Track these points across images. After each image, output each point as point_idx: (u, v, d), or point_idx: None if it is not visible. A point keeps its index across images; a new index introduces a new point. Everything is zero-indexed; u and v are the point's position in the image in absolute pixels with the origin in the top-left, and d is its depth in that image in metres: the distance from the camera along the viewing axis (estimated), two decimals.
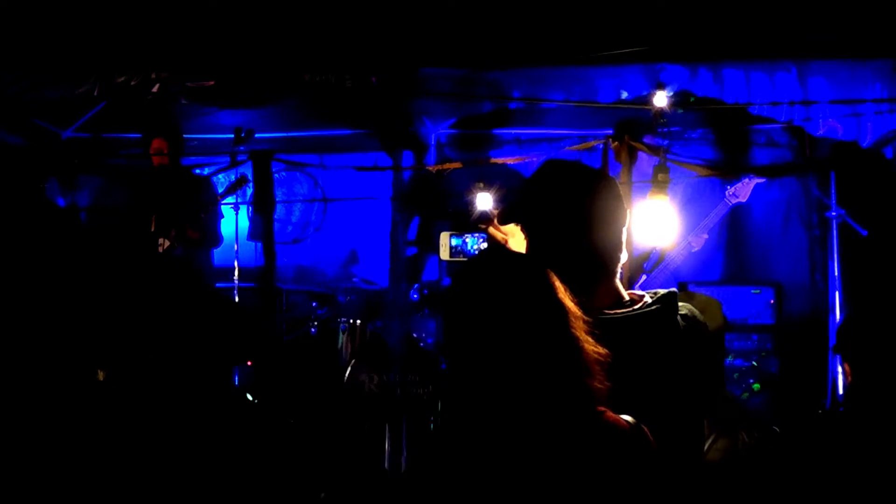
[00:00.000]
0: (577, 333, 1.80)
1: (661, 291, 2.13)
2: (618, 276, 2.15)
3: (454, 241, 2.37)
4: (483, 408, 1.77)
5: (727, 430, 2.69)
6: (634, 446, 1.79)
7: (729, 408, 2.79)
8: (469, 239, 2.36)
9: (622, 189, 4.98)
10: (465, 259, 2.35)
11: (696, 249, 5.39)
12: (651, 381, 1.97)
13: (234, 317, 5.59)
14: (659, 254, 5.44)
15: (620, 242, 2.16)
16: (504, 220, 2.23)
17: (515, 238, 2.17)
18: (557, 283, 1.85)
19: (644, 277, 5.47)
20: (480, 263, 1.92)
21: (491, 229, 2.23)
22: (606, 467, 1.75)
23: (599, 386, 1.78)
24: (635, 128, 5.35)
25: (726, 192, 5.48)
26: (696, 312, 2.18)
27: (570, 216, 2.12)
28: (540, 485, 1.73)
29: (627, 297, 2.14)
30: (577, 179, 2.18)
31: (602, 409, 1.79)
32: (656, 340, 2.04)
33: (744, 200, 5.50)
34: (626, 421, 1.82)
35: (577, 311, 1.83)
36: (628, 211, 2.20)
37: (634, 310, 2.07)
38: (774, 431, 5.42)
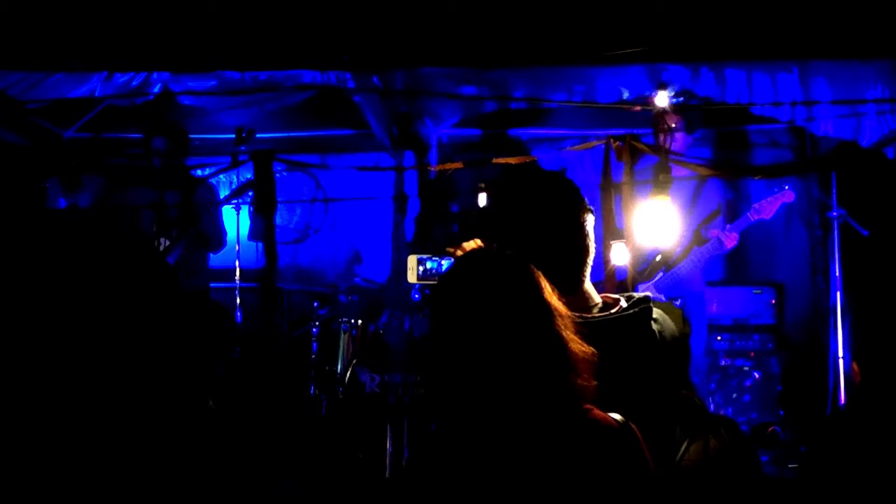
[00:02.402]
0: (563, 332, 1.81)
1: (637, 295, 2.15)
2: (588, 279, 2.16)
3: (429, 264, 2.34)
4: (469, 406, 1.78)
5: (697, 435, 2.70)
6: (623, 444, 1.80)
7: (697, 412, 2.80)
8: (444, 262, 2.32)
9: (624, 189, 5.00)
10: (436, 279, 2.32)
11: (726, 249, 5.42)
12: (627, 385, 1.99)
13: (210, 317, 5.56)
14: (663, 256, 5.45)
15: (587, 245, 2.17)
16: (467, 239, 2.24)
17: None
18: (543, 283, 1.86)
19: (660, 274, 5.47)
20: (467, 263, 1.93)
21: (459, 253, 2.22)
22: (596, 465, 1.76)
23: (586, 384, 1.79)
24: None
25: (751, 207, 5.47)
26: (666, 317, 2.20)
27: (531, 227, 2.13)
28: (530, 483, 1.73)
29: (600, 301, 2.16)
30: (534, 189, 2.20)
31: (588, 406, 1.80)
32: (633, 344, 2.06)
33: (767, 218, 5.48)
34: (615, 419, 1.83)
35: (563, 309, 1.85)
36: (591, 210, 2.21)
37: (612, 314, 2.09)
38: (775, 432, 5.43)
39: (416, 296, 5.87)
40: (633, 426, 1.83)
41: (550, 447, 1.75)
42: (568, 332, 1.82)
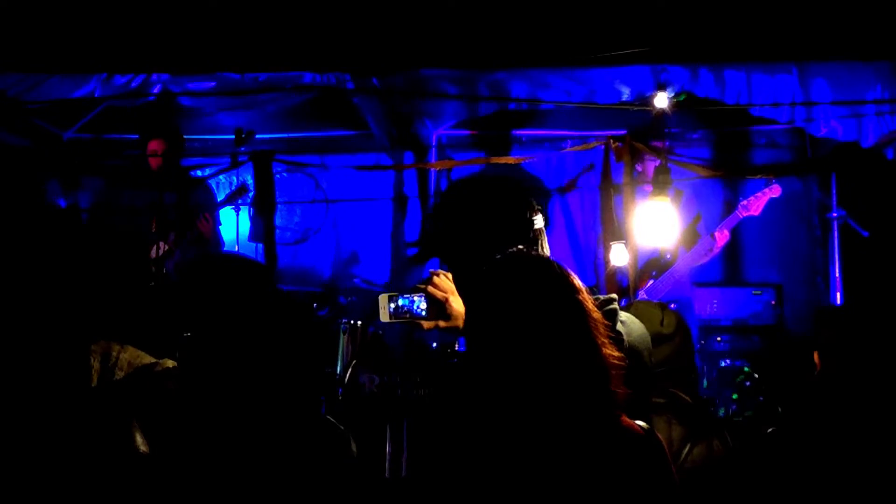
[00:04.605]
0: (597, 336, 1.80)
1: (601, 297, 2.15)
2: None
3: (401, 301, 2.24)
4: (502, 409, 1.76)
5: (701, 437, 2.70)
6: (650, 452, 1.79)
7: (702, 414, 2.80)
8: (416, 298, 2.23)
9: (626, 190, 5.00)
10: (409, 319, 2.24)
11: (713, 254, 5.42)
12: None
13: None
14: (670, 257, 5.45)
15: (540, 245, 2.16)
16: (424, 258, 2.23)
17: (455, 295, 2.17)
18: (579, 285, 1.85)
19: (650, 282, 5.47)
20: (504, 266, 1.92)
21: (430, 288, 2.20)
22: (626, 473, 1.75)
23: (617, 390, 1.78)
24: (644, 131, 5.36)
25: (739, 205, 5.47)
26: (634, 318, 2.20)
27: (478, 235, 2.12)
28: (561, 489, 1.72)
29: None
30: (476, 197, 2.19)
31: (619, 413, 1.79)
32: None
33: (756, 214, 5.47)
34: (641, 426, 1.82)
35: (596, 313, 1.84)
36: (540, 210, 2.21)
37: None
38: (772, 434, 5.42)
39: None
40: (658, 435, 1.83)
41: (585, 454, 1.74)
42: (601, 337, 1.81)
